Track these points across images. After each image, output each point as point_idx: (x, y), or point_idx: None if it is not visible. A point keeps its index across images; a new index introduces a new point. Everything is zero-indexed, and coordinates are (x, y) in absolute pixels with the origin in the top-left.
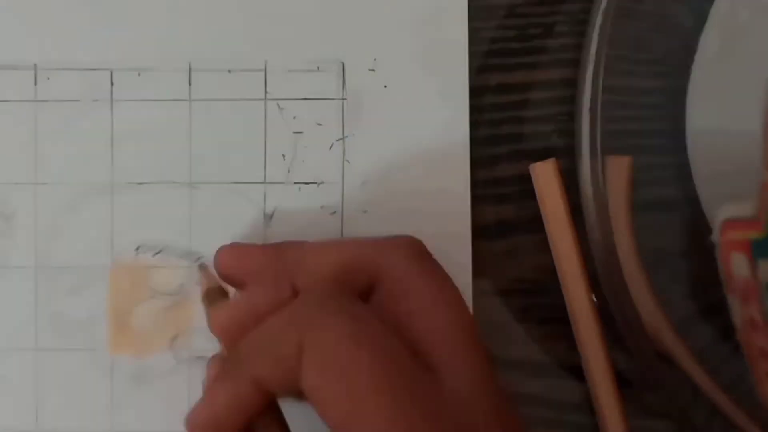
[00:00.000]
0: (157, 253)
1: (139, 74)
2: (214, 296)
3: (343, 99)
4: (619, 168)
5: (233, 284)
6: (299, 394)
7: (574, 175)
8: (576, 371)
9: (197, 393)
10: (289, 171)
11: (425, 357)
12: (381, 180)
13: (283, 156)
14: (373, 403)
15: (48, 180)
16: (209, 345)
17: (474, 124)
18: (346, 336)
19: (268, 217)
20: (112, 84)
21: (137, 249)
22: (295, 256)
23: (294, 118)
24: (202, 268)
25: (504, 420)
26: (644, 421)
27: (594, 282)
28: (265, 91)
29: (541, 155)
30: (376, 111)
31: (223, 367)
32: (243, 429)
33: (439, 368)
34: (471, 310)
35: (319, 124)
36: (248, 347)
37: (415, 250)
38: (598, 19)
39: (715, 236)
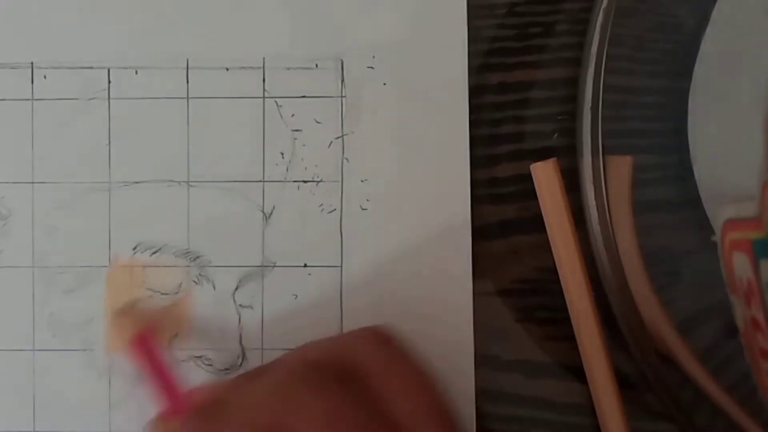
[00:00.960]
0: (154, 253)
1: (136, 72)
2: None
3: (342, 97)
4: (620, 168)
5: None
6: None
7: (575, 174)
8: (577, 372)
9: None
10: (287, 169)
11: None
12: (380, 178)
13: (282, 154)
14: None
15: (45, 179)
16: (207, 345)
17: (474, 124)
18: (322, 417)
19: (267, 216)
20: (109, 82)
21: (135, 248)
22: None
23: (292, 116)
24: (120, 314)
25: None
26: (645, 423)
27: (595, 282)
28: (264, 89)
29: (542, 155)
30: (375, 109)
31: (200, 419)
32: None
33: None
34: (471, 310)
35: (318, 122)
36: (226, 417)
37: (380, 340)
38: (599, 18)
39: (717, 236)
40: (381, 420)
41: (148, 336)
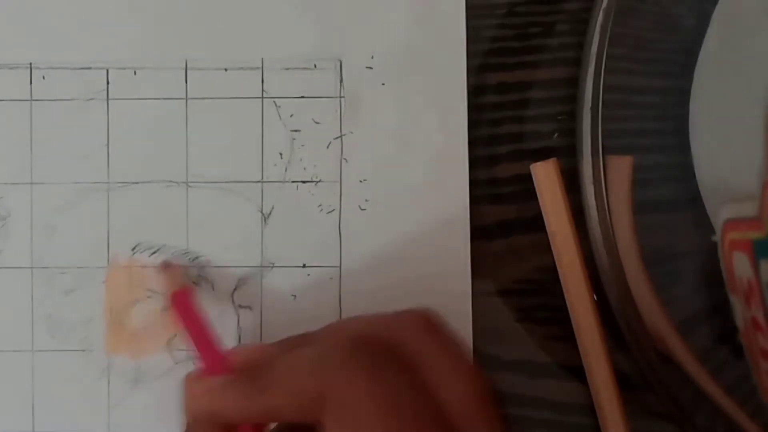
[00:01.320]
0: (153, 253)
1: (135, 73)
2: None
3: (340, 97)
4: (620, 168)
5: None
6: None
7: (575, 174)
8: (577, 372)
9: None
10: (286, 169)
11: (448, 423)
12: (379, 178)
13: (281, 154)
14: None
15: (43, 180)
16: None
17: (474, 124)
18: (371, 396)
19: (266, 216)
20: (107, 83)
21: (134, 249)
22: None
23: (291, 116)
24: (166, 267)
25: None
26: (645, 423)
27: (595, 282)
28: (262, 89)
29: (542, 155)
30: (374, 109)
31: (242, 383)
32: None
33: None
34: (471, 310)
35: (317, 123)
36: (268, 381)
37: (427, 324)
38: (599, 18)
39: (717, 236)
40: (428, 404)
41: (188, 294)
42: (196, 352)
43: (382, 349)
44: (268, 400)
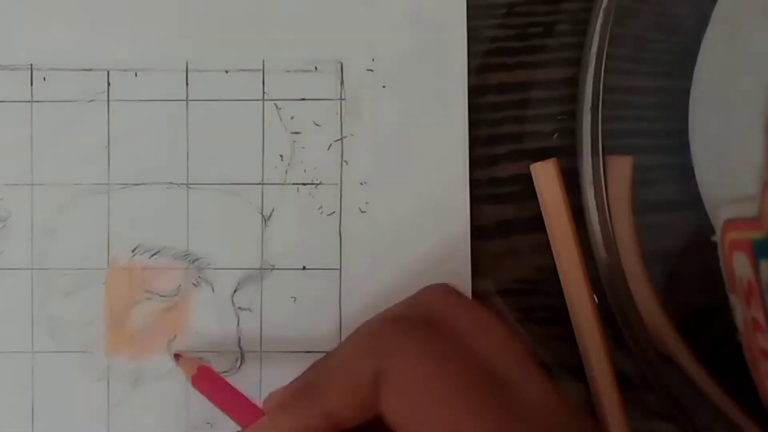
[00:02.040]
0: (154, 255)
1: (136, 74)
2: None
3: (341, 99)
4: (620, 168)
5: None
6: (368, 424)
7: (575, 175)
8: (577, 372)
9: (195, 395)
10: (286, 172)
11: (496, 377)
12: (379, 181)
13: (281, 156)
14: (452, 415)
15: (44, 181)
16: (206, 347)
17: (474, 124)
18: (424, 354)
19: (266, 218)
20: (108, 84)
21: (134, 250)
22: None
23: (292, 118)
24: (179, 357)
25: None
26: (645, 423)
27: (595, 282)
28: (263, 92)
29: (542, 155)
30: (375, 111)
31: (293, 397)
32: None
33: (515, 383)
34: None
35: (317, 125)
36: (322, 379)
37: (450, 293)
38: (599, 18)
39: (717, 236)
40: (476, 362)
41: (207, 372)
42: (237, 424)
43: (420, 321)
44: (327, 401)
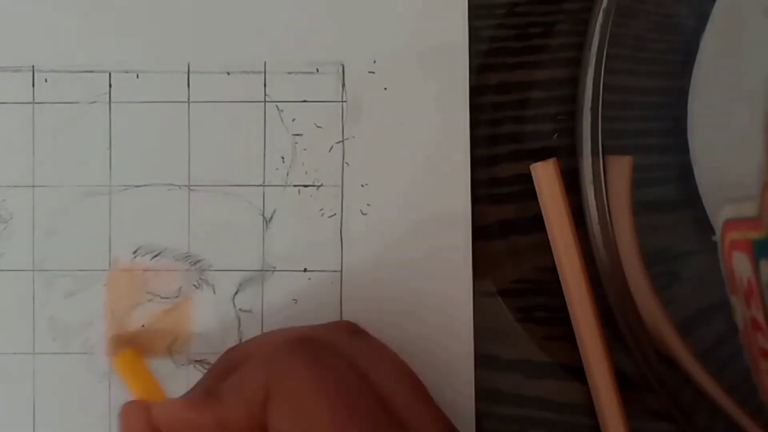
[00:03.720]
0: (155, 256)
1: (137, 76)
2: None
3: (342, 101)
4: (620, 168)
5: None
6: None
7: (575, 174)
8: (577, 372)
9: None
10: (288, 173)
11: (391, 410)
12: (381, 182)
13: (283, 158)
14: None
15: (45, 182)
16: (207, 348)
17: (474, 124)
18: (312, 378)
19: (267, 220)
20: (110, 86)
21: (135, 252)
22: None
23: (293, 120)
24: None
25: None
26: (645, 423)
27: (595, 282)
28: (265, 93)
29: (542, 155)
30: (376, 113)
31: (193, 396)
32: None
33: (407, 421)
34: (471, 310)
35: (319, 127)
36: (220, 387)
37: (353, 329)
38: (599, 18)
39: (717, 236)
40: (370, 392)
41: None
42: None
43: (320, 344)
44: (218, 411)
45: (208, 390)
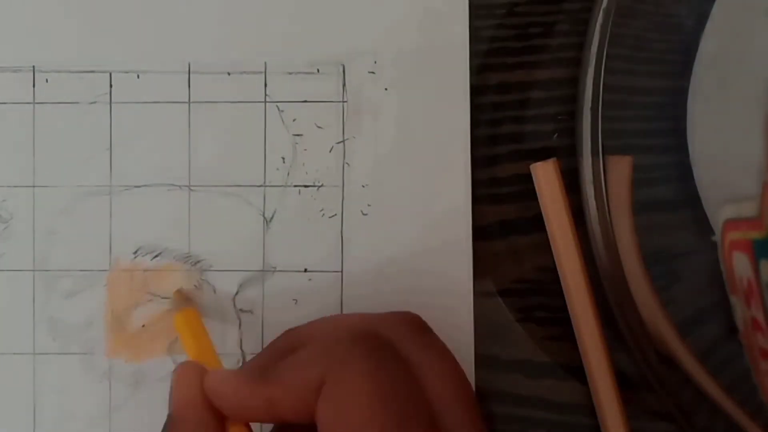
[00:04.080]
0: (155, 257)
1: (138, 76)
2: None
3: (343, 101)
4: (620, 168)
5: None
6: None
7: (575, 174)
8: (577, 372)
9: None
10: (288, 174)
11: (433, 420)
12: (381, 183)
13: (283, 159)
14: None
15: (46, 183)
16: None
17: (474, 124)
18: (366, 373)
19: (268, 220)
20: (110, 86)
21: (136, 252)
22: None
23: (294, 120)
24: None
25: None
26: (645, 423)
27: (595, 282)
28: (265, 94)
29: (542, 155)
30: (377, 113)
31: (247, 371)
32: (220, 420)
33: None
34: (471, 310)
35: (319, 127)
36: (279, 368)
37: (418, 326)
38: (599, 18)
39: (717, 236)
40: (418, 400)
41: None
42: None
43: (382, 343)
44: (270, 391)
45: (264, 368)
